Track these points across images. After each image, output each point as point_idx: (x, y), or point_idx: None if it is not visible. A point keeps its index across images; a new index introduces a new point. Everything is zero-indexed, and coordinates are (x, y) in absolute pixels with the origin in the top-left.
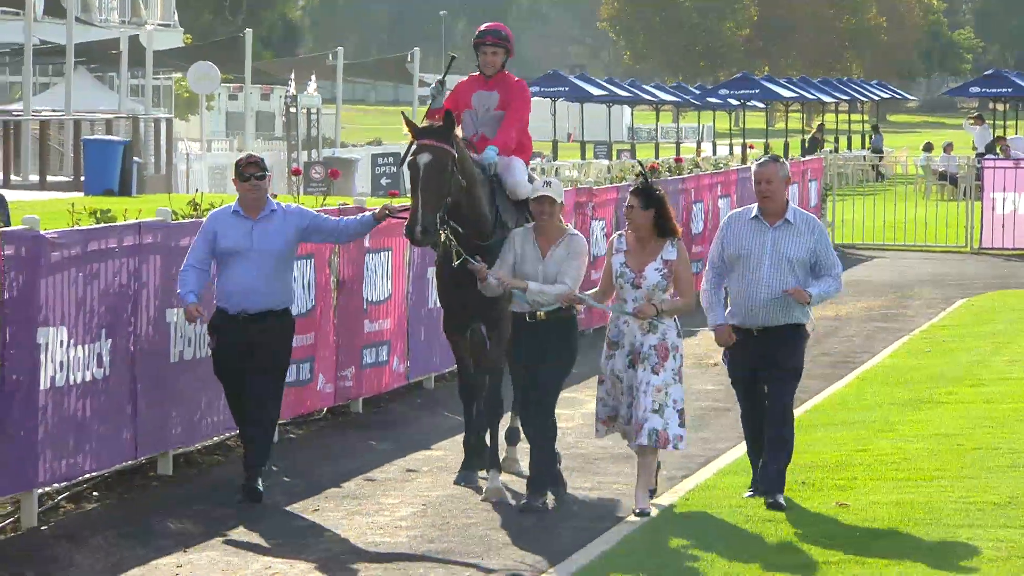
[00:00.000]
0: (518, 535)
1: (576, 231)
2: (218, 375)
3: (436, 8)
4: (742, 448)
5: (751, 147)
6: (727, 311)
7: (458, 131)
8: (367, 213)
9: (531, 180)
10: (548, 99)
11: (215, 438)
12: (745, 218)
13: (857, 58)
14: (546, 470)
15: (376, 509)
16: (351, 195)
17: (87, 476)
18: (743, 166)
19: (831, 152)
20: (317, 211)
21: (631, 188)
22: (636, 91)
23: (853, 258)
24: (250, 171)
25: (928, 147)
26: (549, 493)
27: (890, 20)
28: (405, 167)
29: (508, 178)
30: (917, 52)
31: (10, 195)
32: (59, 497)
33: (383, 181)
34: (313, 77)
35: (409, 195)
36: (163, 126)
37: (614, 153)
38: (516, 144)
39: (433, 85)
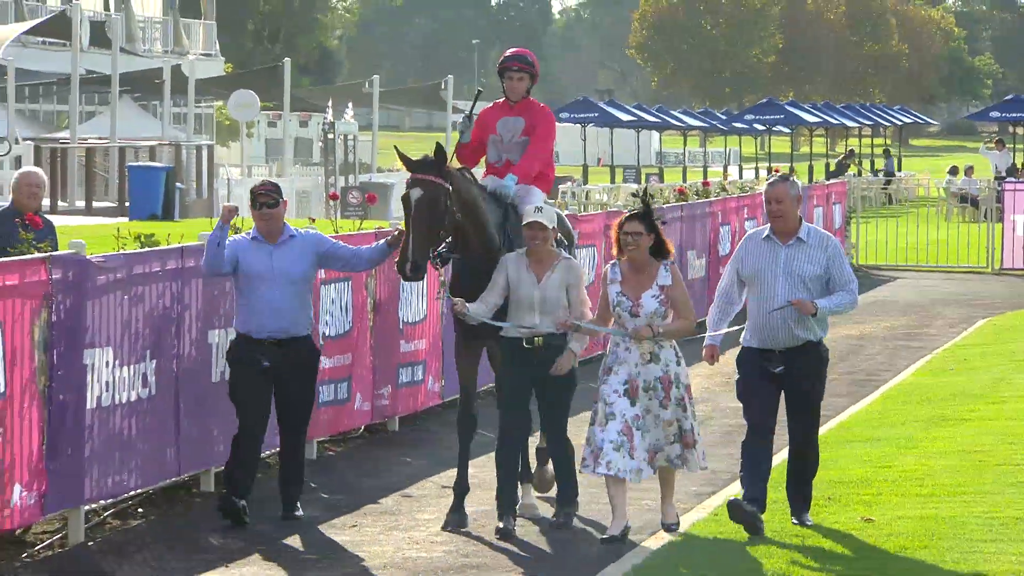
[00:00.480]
0: (552, 549)
1: (568, 255)
2: (236, 401)
3: (469, 35)
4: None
5: (776, 171)
6: (744, 334)
7: (488, 153)
8: (380, 241)
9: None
10: (578, 124)
11: None
12: (758, 238)
13: (879, 83)
14: (571, 485)
15: (412, 524)
16: (387, 219)
17: (132, 493)
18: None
19: (855, 176)
20: (352, 234)
21: (630, 213)
22: (664, 116)
23: (876, 279)
24: (262, 200)
25: (954, 171)
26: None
27: (912, 47)
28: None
29: (523, 206)
30: (938, 77)
31: (57, 220)
32: (105, 513)
33: None
34: (350, 104)
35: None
36: (204, 152)
37: (643, 177)
38: (538, 174)
39: (461, 120)
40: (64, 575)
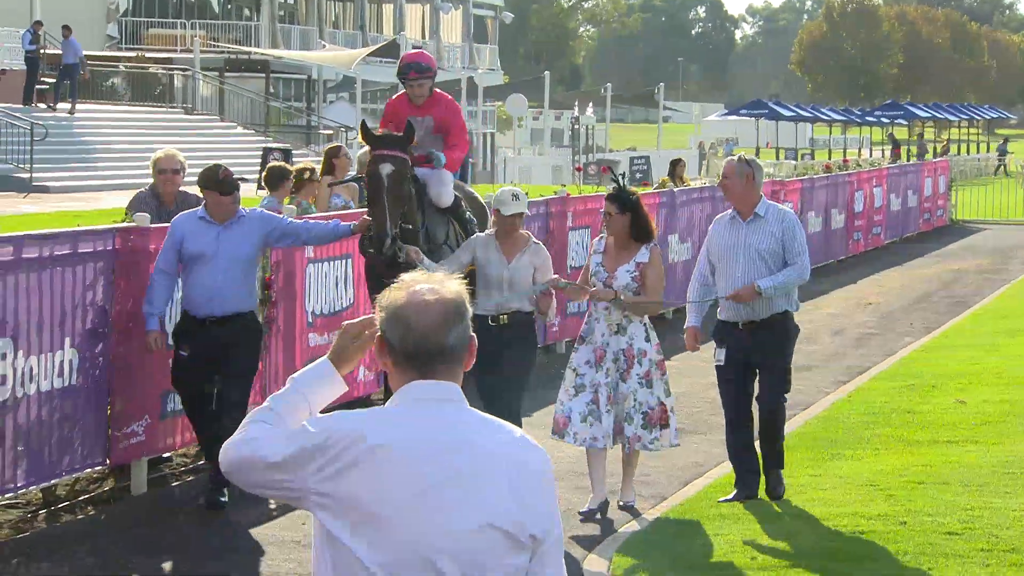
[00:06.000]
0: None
1: (537, 240)
2: (177, 384)
3: (675, 55)
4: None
5: (897, 152)
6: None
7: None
8: (344, 223)
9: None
10: (752, 118)
11: None
12: (724, 220)
13: (973, 89)
14: None
15: None
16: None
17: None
18: (891, 165)
19: (955, 155)
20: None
21: (607, 195)
22: (815, 112)
23: (970, 229)
24: (232, 187)
25: None
26: None
27: (998, 62)
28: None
29: (433, 186)
30: (1018, 85)
31: None
32: None
33: (637, 175)
34: (590, 104)
35: (368, 204)
36: (489, 138)
37: (799, 156)
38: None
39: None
40: None
